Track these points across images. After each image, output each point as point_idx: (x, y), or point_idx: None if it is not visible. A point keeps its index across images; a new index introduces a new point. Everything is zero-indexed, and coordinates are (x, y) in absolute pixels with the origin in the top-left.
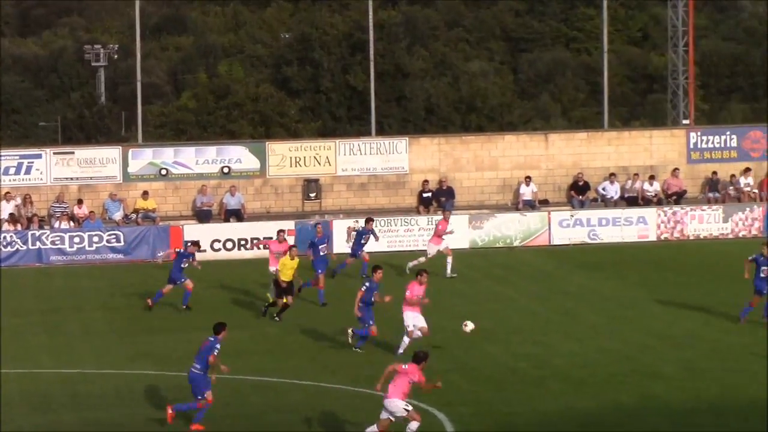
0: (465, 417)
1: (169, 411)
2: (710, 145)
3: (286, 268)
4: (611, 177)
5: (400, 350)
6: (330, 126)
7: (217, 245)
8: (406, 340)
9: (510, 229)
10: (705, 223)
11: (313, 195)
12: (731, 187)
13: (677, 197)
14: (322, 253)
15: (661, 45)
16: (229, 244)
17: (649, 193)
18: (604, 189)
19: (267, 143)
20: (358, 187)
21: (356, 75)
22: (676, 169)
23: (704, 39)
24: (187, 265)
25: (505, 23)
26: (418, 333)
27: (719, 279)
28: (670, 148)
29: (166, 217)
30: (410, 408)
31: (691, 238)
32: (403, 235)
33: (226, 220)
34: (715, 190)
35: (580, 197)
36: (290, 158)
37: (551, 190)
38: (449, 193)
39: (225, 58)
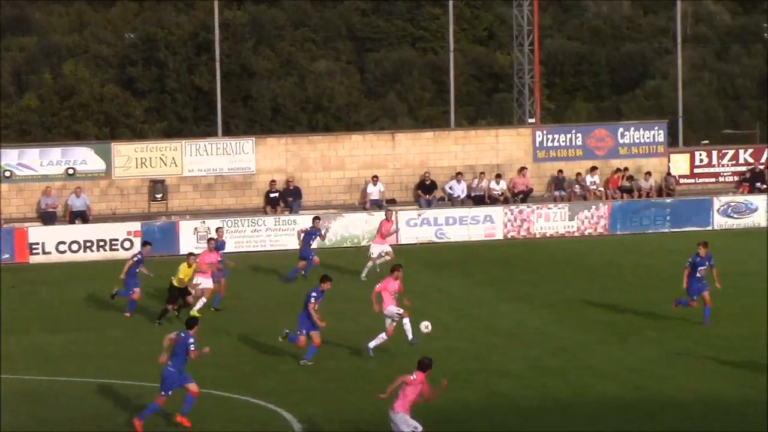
0: (314, 417)
1: (136, 421)
2: (556, 144)
3: (180, 273)
4: (458, 176)
5: (372, 345)
6: (176, 126)
7: (62, 247)
8: (383, 336)
9: (357, 228)
10: (551, 221)
11: (159, 196)
12: (577, 186)
13: (524, 196)
14: (218, 259)
15: (506, 44)
16: (74, 246)
17: (495, 192)
18: (450, 188)
19: (112, 144)
20: (205, 187)
21: (202, 75)
22: (523, 167)
23: (549, 38)
24: (140, 269)
25: (351, 23)
26: (393, 325)
27: (566, 277)
28: (516, 147)
29: (10, 219)
30: (420, 428)
31: (538, 236)
32: (251, 235)
33: (71, 222)
34: (561, 189)
35: (427, 196)
36: (136, 159)
37: (398, 189)
38: (296, 193)
39: (70, 59)
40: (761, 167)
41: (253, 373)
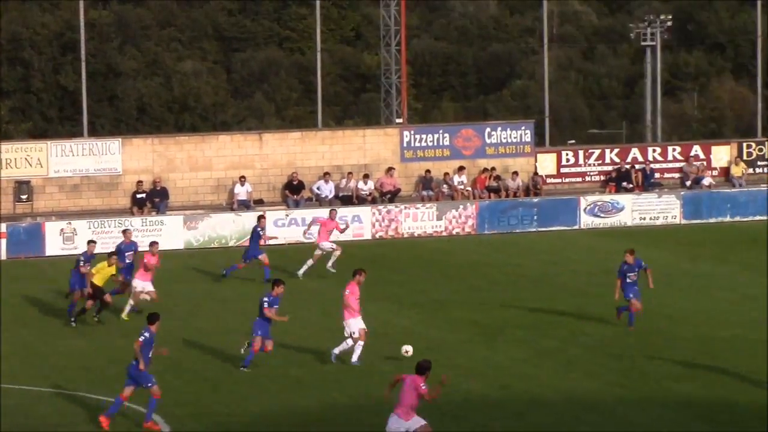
0: (181, 418)
1: (147, 424)
2: (423, 144)
3: (100, 274)
4: (326, 176)
5: (336, 352)
6: (41, 127)
7: None
8: (350, 342)
9: (225, 229)
10: (419, 221)
11: (24, 197)
12: (445, 185)
13: (391, 196)
14: (128, 261)
15: (374, 44)
16: None
17: (363, 192)
18: (318, 188)
19: None
20: (71, 188)
21: (67, 75)
22: (390, 167)
23: (416, 38)
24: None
25: (217, 23)
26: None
27: (434, 276)
28: (384, 147)
29: None
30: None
31: (406, 236)
32: (118, 236)
33: None
34: (428, 189)
35: (295, 197)
36: (1, 160)
37: (266, 189)
38: (163, 193)
39: None
40: (627, 167)
41: (119, 373)
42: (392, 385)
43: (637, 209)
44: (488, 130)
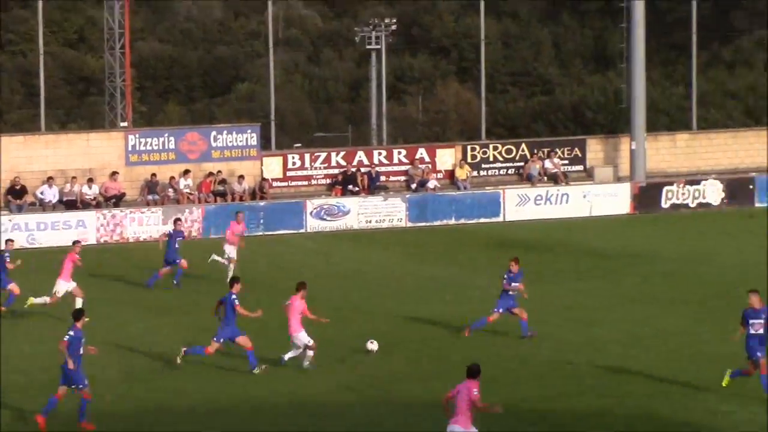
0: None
1: (81, 424)
2: (149, 147)
3: None
4: (49, 181)
5: (286, 357)
6: None
7: None
8: (310, 353)
9: None
10: (145, 225)
11: None
12: (170, 189)
13: (116, 200)
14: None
15: (98, 47)
16: None
17: (87, 197)
18: (42, 193)
19: None
20: None
21: None
22: (115, 172)
23: (141, 41)
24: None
25: None
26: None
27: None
28: (108, 151)
29: None
30: None
31: (131, 240)
32: None
33: None
34: (154, 193)
35: (18, 202)
36: None
37: None
38: None
39: None
40: (353, 170)
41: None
42: (447, 400)
43: (363, 212)
44: (214, 133)
